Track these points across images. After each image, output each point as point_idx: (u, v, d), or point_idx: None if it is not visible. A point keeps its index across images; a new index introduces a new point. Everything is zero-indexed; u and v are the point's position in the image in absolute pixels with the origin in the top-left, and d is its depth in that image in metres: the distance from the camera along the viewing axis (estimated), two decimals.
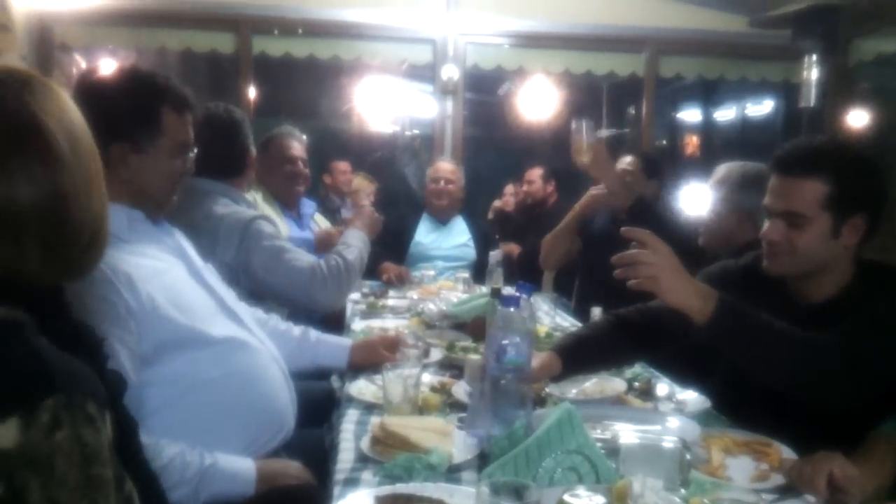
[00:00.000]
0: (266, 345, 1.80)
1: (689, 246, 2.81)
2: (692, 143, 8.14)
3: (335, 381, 2.39)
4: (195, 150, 1.80)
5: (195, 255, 1.82)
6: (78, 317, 1.01)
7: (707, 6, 5.10)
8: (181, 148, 1.74)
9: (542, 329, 2.50)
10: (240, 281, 2.31)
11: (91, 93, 1.61)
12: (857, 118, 5.05)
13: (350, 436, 1.62)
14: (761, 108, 7.23)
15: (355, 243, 2.57)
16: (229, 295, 1.84)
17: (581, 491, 1.14)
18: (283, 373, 1.81)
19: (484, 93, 6.38)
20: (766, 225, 1.78)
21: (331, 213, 4.29)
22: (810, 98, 4.64)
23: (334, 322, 3.25)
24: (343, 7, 4.94)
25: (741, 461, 1.52)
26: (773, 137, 6.68)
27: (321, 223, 3.76)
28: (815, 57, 4.56)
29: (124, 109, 1.64)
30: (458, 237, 4.14)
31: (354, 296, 3.32)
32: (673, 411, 1.79)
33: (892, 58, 4.90)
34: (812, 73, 4.58)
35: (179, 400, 1.58)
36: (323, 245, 3.19)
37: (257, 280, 2.32)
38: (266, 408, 1.72)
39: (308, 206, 3.57)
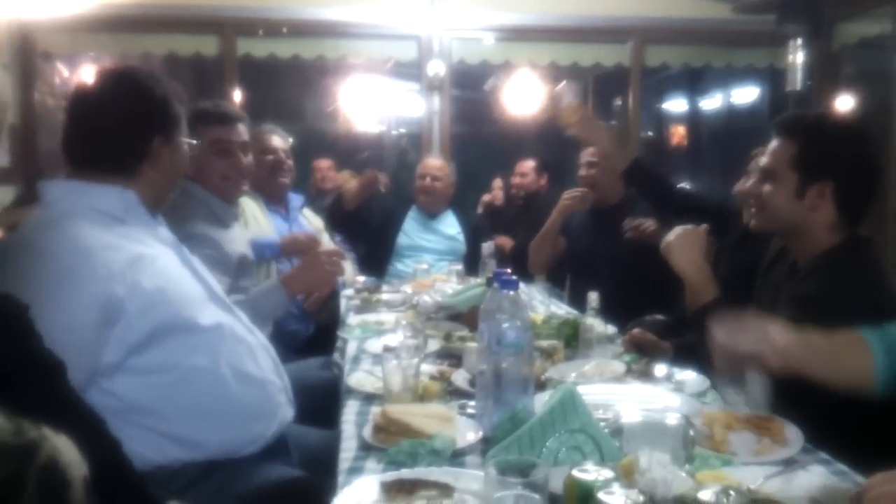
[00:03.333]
0: (255, 333, 1.80)
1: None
2: (678, 133, 8.16)
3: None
4: None
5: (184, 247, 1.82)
6: None
7: None
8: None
9: (539, 317, 2.50)
10: None
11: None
12: (843, 101, 5.08)
13: (352, 426, 1.61)
14: (747, 94, 7.26)
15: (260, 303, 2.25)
16: (217, 285, 1.84)
17: (589, 466, 1.14)
18: (274, 360, 1.81)
19: (470, 89, 6.37)
20: None
21: (321, 211, 4.28)
22: (796, 82, 4.66)
23: (330, 318, 3.24)
24: (327, 6, 4.93)
25: (743, 436, 1.52)
26: (761, 123, 6.71)
27: (311, 218, 3.75)
28: (799, 41, 4.58)
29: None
30: (447, 230, 4.14)
31: (348, 292, 3.31)
32: (672, 391, 1.79)
33: (876, 41, 4.93)
34: (797, 57, 4.60)
35: (174, 388, 1.58)
36: (288, 249, 3.08)
37: None
38: (258, 394, 1.71)
39: (296, 199, 3.56)
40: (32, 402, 0.81)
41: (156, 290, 1.56)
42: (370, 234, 4.12)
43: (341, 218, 3.92)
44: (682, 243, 1.88)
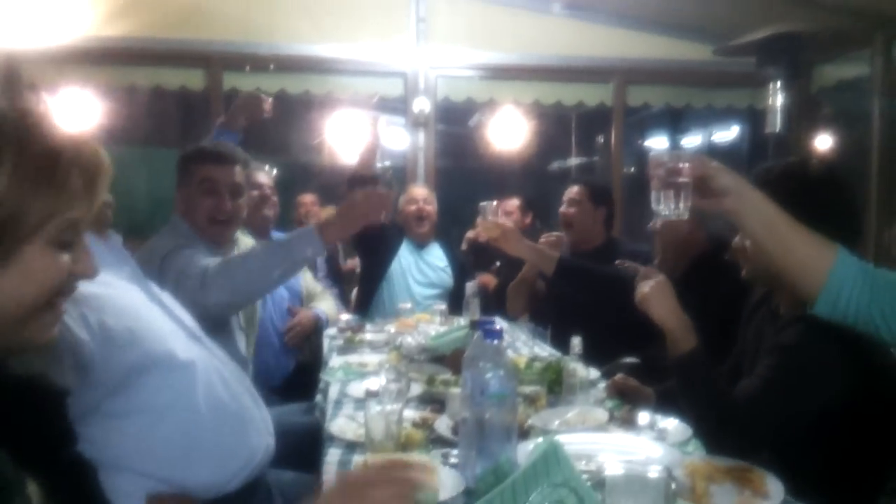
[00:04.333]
0: (229, 366, 1.80)
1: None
2: None
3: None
4: None
5: (151, 281, 1.82)
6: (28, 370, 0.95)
7: (672, 36, 5.21)
8: None
9: (522, 360, 2.50)
10: None
11: None
12: (821, 142, 5.17)
13: (333, 476, 1.60)
14: (727, 134, 7.36)
15: (267, 248, 2.43)
16: (189, 318, 1.83)
17: None
18: (251, 392, 1.81)
19: (455, 124, 6.42)
20: None
21: None
22: (776, 123, 4.73)
23: (311, 357, 3.23)
24: (314, 42, 4.97)
25: (724, 488, 1.52)
26: (740, 163, 6.79)
27: None
28: (779, 83, 4.66)
29: None
30: (435, 262, 4.16)
31: (331, 331, 3.30)
32: (655, 440, 1.79)
33: (853, 83, 5.04)
34: (777, 99, 4.67)
35: (152, 429, 1.56)
36: (239, 112, 3.30)
37: None
38: (237, 427, 1.70)
39: (277, 236, 3.57)
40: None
41: (125, 330, 1.55)
42: (363, 262, 4.15)
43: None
44: (658, 294, 1.88)
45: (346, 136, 5.72)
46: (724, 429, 1.74)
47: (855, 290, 1.42)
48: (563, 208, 3.57)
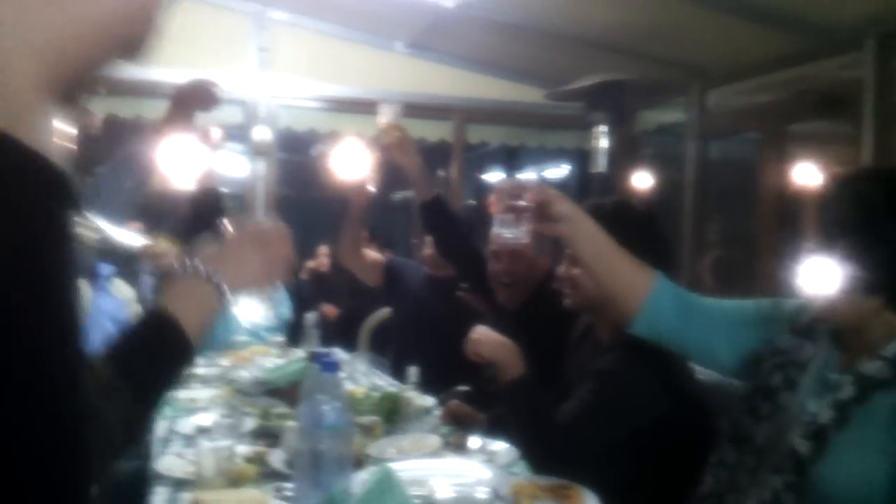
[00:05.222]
0: None
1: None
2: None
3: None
4: None
5: None
6: None
7: (509, 79, 5.49)
8: None
9: (360, 390, 2.51)
10: None
11: None
12: (641, 180, 5.58)
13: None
14: (558, 171, 7.78)
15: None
16: None
17: None
18: None
19: (297, 153, 6.38)
20: None
21: (130, 277, 4.08)
22: (601, 163, 5.06)
23: None
24: (148, 66, 4.79)
25: None
26: (570, 198, 7.15)
27: (122, 289, 3.57)
28: (604, 127, 4.99)
29: None
30: (272, 292, 4.10)
31: None
32: (484, 463, 1.86)
33: (672, 127, 5.49)
34: (602, 141, 5.00)
35: None
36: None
37: None
38: None
39: (104, 268, 3.38)
40: None
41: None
42: None
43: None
44: (482, 337, 2.01)
45: (179, 161, 5.53)
46: (546, 450, 1.84)
47: (671, 312, 1.56)
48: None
